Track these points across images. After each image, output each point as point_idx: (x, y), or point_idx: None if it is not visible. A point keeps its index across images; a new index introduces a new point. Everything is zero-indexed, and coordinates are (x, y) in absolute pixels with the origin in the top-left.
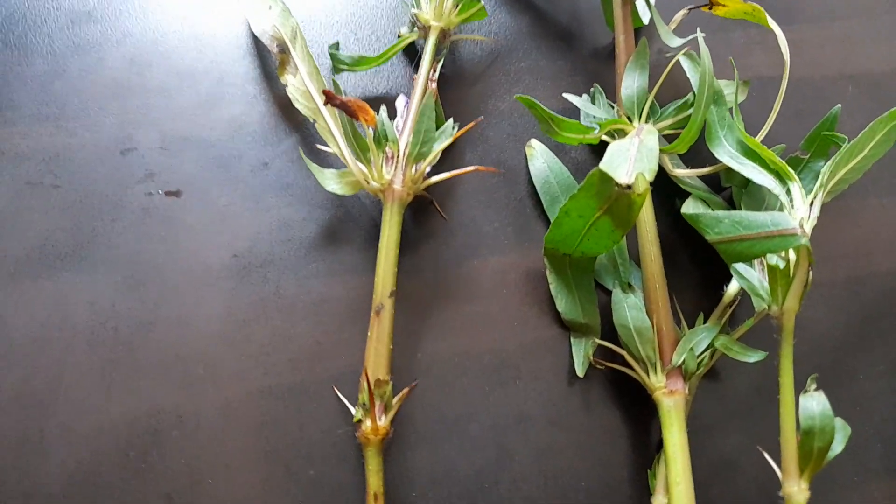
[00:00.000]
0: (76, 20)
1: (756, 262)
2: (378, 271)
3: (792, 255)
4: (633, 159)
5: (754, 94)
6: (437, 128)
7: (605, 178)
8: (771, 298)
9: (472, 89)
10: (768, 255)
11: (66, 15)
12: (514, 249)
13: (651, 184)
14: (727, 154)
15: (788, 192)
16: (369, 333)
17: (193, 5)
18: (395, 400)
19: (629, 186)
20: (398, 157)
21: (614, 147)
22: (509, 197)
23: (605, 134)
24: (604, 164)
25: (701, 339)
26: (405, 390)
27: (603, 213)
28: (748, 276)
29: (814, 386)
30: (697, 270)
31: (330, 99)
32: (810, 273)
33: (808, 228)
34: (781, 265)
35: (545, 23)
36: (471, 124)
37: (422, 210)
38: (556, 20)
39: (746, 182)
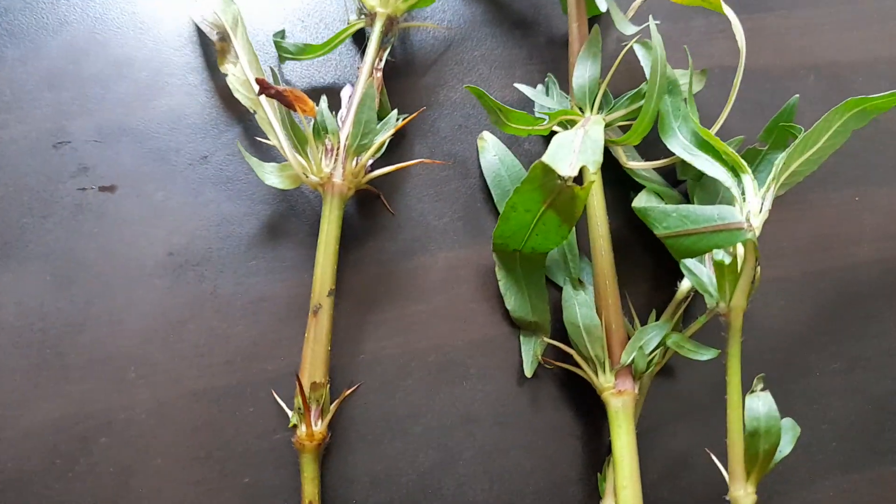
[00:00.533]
0: (10, 7)
1: (707, 257)
2: (316, 269)
3: (741, 250)
4: (577, 151)
5: (715, 84)
6: (381, 119)
7: (548, 171)
8: (718, 295)
9: (423, 79)
10: (715, 251)
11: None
12: (464, 245)
13: (605, 177)
14: (680, 146)
15: (741, 185)
16: (306, 334)
17: None
18: (332, 404)
19: (574, 179)
20: (338, 149)
21: (558, 139)
22: (460, 191)
23: (557, 125)
24: (547, 157)
25: (651, 337)
26: (343, 394)
27: (547, 207)
28: (697, 273)
29: (760, 386)
30: (652, 266)
31: (264, 88)
32: (758, 269)
33: (759, 222)
34: (727, 260)
35: (500, 10)
36: (413, 115)
37: (368, 204)
38: (511, 7)
39: (700, 175)
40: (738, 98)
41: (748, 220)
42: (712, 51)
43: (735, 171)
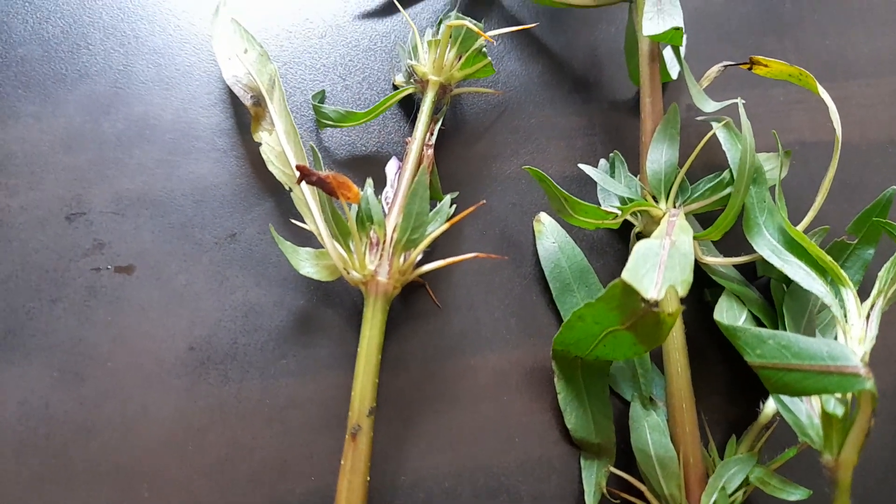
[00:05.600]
0: (28, 56)
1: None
2: (356, 383)
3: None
4: (662, 267)
5: (794, 161)
6: (432, 203)
7: (629, 292)
8: (824, 445)
9: (474, 148)
10: (825, 397)
11: (14, 50)
12: (518, 345)
13: None
14: (768, 247)
15: (841, 301)
16: (343, 461)
17: (164, 42)
18: None
19: (657, 303)
20: (384, 243)
21: (641, 250)
22: (513, 280)
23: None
24: (628, 274)
25: (734, 473)
26: None
27: (625, 329)
28: (795, 411)
29: None
30: (728, 374)
31: (305, 175)
32: (873, 420)
33: (867, 348)
34: (840, 412)
35: (559, 72)
36: (470, 209)
37: (412, 292)
38: (571, 68)
39: (789, 279)
40: (818, 174)
41: (864, 363)
42: (791, 123)
43: (832, 281)
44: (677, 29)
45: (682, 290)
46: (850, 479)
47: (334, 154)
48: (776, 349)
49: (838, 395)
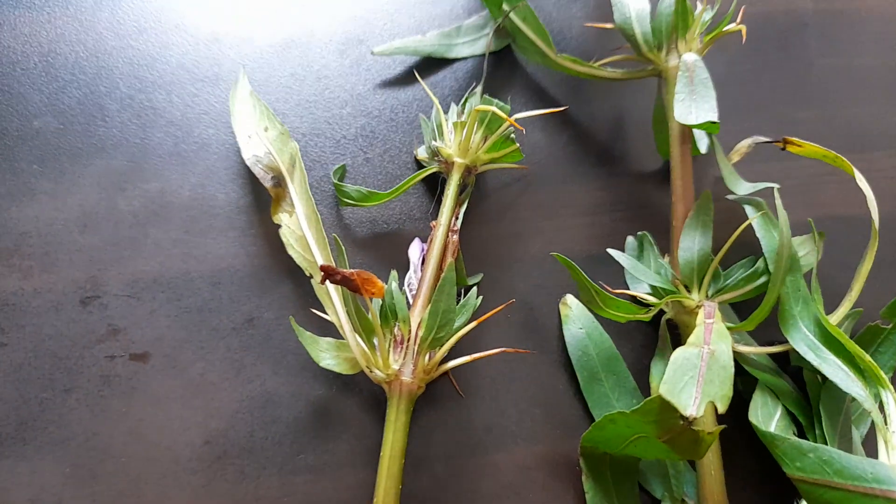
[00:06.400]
0: (43, 129)
1: None
2: (378, 490)
3: None
4: (701, 381)
5: (825, 237)
6: (457, 291)
7: (667, 407)
8: None
9: (498, 226)
10: None
11: (30, 123)
12: (543, 438)
13: None
14: (804, 342)
15: (881, 405)
16: None
17: (181, 114)
18: None
19: (695, 419)
20: (409, 340)
21: (678, 362)
22: (538, 367)
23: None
24: (665, 388)
25: None
26: None
27: (662, 443)
28: None
29: None
30: (759, 466)
31: (329, 275)
32: None
33: None
34: None
35: (584, 143)
36: (497, 309)
37: (434, 382)
38: (596, 139)
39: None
40: (850, 251)
41: None
42: (823, 196)
43: (870, 381)
44: (713, 123)
45: (722, 407)
46: None
47: (355, 232)
48: (817, 464)
49: None
